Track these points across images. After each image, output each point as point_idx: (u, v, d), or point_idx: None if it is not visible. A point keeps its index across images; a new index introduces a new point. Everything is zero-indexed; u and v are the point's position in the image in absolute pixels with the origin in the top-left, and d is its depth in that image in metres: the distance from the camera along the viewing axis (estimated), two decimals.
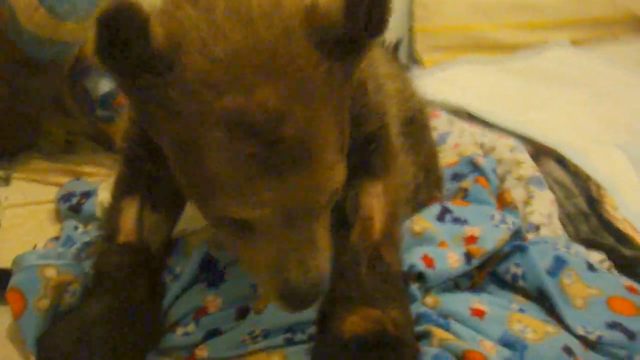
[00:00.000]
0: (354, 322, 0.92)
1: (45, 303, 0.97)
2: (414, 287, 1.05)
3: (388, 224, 1.01)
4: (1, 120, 1.38)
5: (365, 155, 1.02)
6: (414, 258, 1.07)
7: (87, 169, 1.44)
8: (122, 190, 1.06)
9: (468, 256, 1.10)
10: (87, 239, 1.15)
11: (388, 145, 1.06)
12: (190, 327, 0.98)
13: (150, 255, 1.02)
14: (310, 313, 0.97)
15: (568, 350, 0.99)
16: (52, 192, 1.36)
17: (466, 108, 1.67)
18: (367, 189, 1.02)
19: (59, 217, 1.28)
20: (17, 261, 1.02)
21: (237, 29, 0.73)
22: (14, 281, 0.99)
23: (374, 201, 1.02)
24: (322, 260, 0.80)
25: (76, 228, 1.20)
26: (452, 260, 1.09)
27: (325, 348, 0.93)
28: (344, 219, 1.02)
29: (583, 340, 1.05)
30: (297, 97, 0.74)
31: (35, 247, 1.18)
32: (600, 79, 1.96)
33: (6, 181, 1.37)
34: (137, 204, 1.04)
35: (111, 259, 0.98)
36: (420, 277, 1.07)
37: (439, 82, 1.83)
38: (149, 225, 1.04)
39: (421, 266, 1.06)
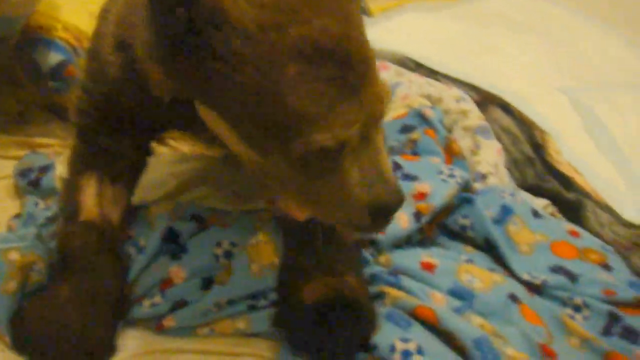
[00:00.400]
0: (314, 290, 0.99)
1: (12, 285, 1.01)
2: (366, 252, 1.11)
3: None
4: None
5: None
6: None
7: (42, 140, 1.45)
8: (79, 167, 1.08)
9: (417, 215, 1.16)
10: (48, 214, 1.18)
11: None
12: (157, 298, 1.03)
13: (113, 230, 1.05)
14: (270, 282, 1.04)
15: (513, 297, 1.07)
16: (8, 167, 1.36)
17: (413, 57, 1.71)
18: None
19: (18, 192, 1.30)
20: None
21: None
22: None
23: None
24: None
25: (37, 204, 1.22)
26: (402, 221, 1.15)
27: (289, 314, 1.00)
28: None
29: (528, 285, 1.13)
30: (346, 22, 0.78)
31: None
32: (548, 22, 2.00)
33: None
34: (96, 180, 1.06)
35: (75, 240, 1.01)
36: (372, 241, 1.13)
37: (386, 31, 1.85)
38: (109, 198, 1.07)
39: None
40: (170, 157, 1.34)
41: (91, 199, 1.05)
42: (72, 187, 1.07)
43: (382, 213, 0.82)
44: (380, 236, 1.13)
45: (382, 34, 1.80)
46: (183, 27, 0.75)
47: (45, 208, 1.21)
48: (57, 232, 1.07)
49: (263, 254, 1.05)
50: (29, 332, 0.97)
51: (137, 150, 1.11)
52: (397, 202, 0.82)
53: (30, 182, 1.28)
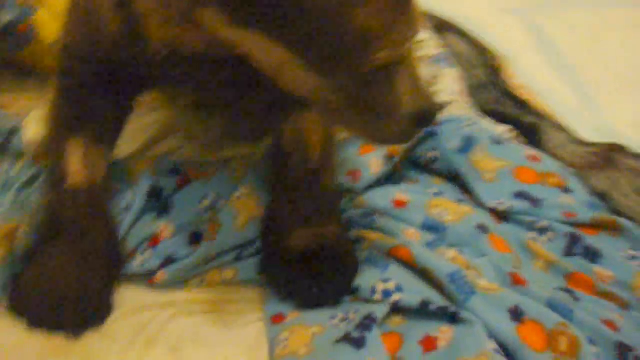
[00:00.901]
0: (298, 238, 1.06)
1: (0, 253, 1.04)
2: (344, 200, 1.18)
3: (325, 148, 1.11)
4: None
5: None
6: (340, 177, 1.19)
7: (3, 98, 1.45)
8: (62, 130, 1.09)
9: (388, 157, 1.23)
10: (22, 178, 1.20)
11: None
12: (147, 254, 1.08)
13: (100, 192, 1.08)
14: (254, 233, 1.10)
15: (482, 227, 1.15)
16: None
17: None
18: (306, 117, 1.10)
19: None
20: None
21: None
22: None
23: (312, 127, 1.10)
24: None
25: (9, 170, 1.23)
26: (374, 166, 1.21)
27: (275, 263, 1.07)
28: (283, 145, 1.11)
29: (494, 213, 1.21)
30: None
31: None
32: None
33: None
34: (81, 142, 1.07)
35: (65, 209, 1.04)
36: (347, 189, 1.20)
37: None
38: (94, 159, 1.08)
39: (348, 183, 1.20)
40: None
41: (77, 162, 1.07)
42: (57, 151, 1.09)
43: (427, 119, 0.89)
44: (355, 185, 1.19)
45: None
46: None
47: (19, 172, 1.23)
48: (44, 199, 1.09)
49: (247, 207, 1.11)
50: (26, 297, 1.01)
51: (121, 108, 1.13)
52: (438, 108, 0.91)
53: None
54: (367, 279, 1.04)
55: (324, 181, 1.10)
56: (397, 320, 1.01)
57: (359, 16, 0.79)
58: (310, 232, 1.06)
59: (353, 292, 1.05)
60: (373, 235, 1.11)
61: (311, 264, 1.04)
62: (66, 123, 1.10)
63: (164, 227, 1.11)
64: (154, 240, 1.10)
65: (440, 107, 0.92)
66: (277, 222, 1.09)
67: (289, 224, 1.07)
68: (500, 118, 1.43)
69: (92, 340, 1.00)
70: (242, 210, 1.11)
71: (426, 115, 0.88)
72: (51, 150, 1.12)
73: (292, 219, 1.07)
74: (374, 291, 1.02)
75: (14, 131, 1.30)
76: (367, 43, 0.80)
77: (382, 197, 1.19)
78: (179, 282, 1.08)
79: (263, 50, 0.86)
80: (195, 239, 1.10)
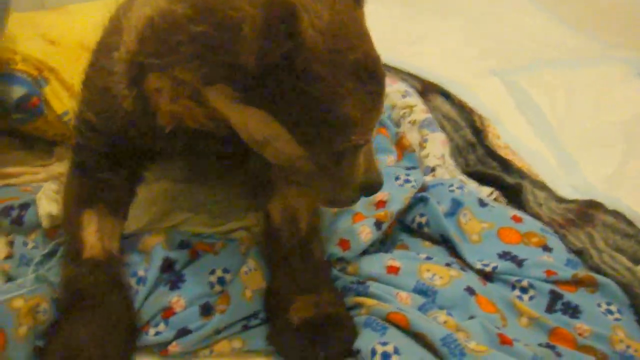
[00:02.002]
0: (299, 309, 1.18)
1: (23, 330, 1.14)
2: (336, 270, 1.30)
3: (312, 220, 1.26)
4: None
5: None
6: (331, 247, 1.31)
7: (10, 169, 1.55)
8: (77, 203, 1.21)
9: (378, 224, 1.35)
10: (39, 252, 1.30)
11: None
12: (161, 327, 1.19)
13: (116, 263, 1.20)
14: (260, 304, 1.23)
15: (470, 290, 1.27)
16: None
17: None
18: (291, 193, 1.25)
19: (1, 230, 1.39)
20: None
21: (324, 8, 0.93)
22: None
23: (298, 203, 1.25)
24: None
25: (26, 244, 1.34)
26: (364, 234, 1.33)
27: (280, 334, 1.18)
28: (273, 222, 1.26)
29: (481, 273, 1.33)
30: (372, 44, 1.01)
31: None
32: (472, 5, 2.17)
33: None
34: (96, 215, 1.19)
35: (83, 281, 1.14)
36: (340, 258, 1.31)
37: None
38: (108, 231, 1.21)
39: (339, 252, 1.31)
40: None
41: (93, 234, 1.18)
42: (72, 224, 1.20)
43: (373, 189, 1.10)
44: (346, 254, 1.31)
45: None
46: (280, 54, 0.90)
47: (34, 246, 1.33)
48: (62, 272, 1.19)
49: (254, 280, 1.23)
50: None
51: (132, 179, 1.25)
52: (381, 183, 1.11)
53: (12, 220, 1.38)
54: (367, 342, 1.15)
55: (314, 251, 1.24)
56: None
57: (346, 106, 0.97)
58: (307, 300, 1.18)
59: (354, 354, 1.15)
60: (370, 302, 1.22)
61: (313, 330, 1.15)
62: (80, 197, 1.22)
63: (177, 300, 1.21)
64: (167, 313, 1.20)
65: (382, 182, 1.12)
66: (278, 293, 1.21)
67: (288, 294, 1.19)
68: (485, 178, 1.55)
69: None
70: (249, 283, 1.22)
71: (373, 186, 1.10)
72: (67, 224, 1.24)
73: (290, 289, 1.20)
74: (373, 353, 1.13)
75: (25, 206, 1.40)
76: (348, 128, 0.99)
77: (375, 264, 1.31)
78: (190, 353, 1.19)
79: (260, 125, 1.01)
80: (206, 311, 1.21)
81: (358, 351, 1.15)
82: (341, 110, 0.96)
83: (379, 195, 1.40)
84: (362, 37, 0.99)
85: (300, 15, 0.88)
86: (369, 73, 0.97)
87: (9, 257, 1.34)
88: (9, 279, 1.29)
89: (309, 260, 1.22)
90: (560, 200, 1.52)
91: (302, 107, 0.96)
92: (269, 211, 1.26)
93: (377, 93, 1.00)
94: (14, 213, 1.39)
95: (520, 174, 1.57)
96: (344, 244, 1.32)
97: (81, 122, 1.21)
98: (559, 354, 1.17)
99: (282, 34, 0.87)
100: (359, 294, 1.25)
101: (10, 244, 1.37)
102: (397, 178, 1.44)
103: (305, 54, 0.91)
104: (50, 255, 1.29)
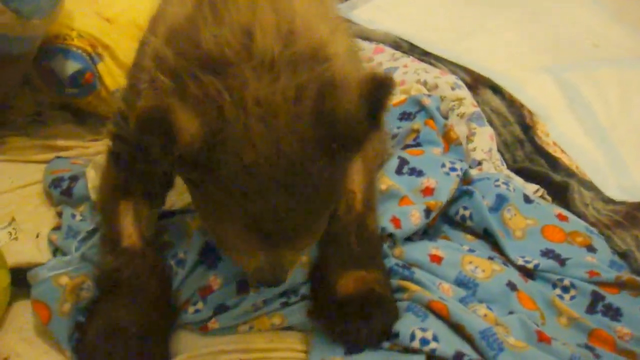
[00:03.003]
0: (346, 284, 1.19)
1: (67, 306, 1.18)
2: (386, 246, 1.31)
3: (368, 194, 1.26)
4: None
5: None
6: (384, 221, 1.32)
7: (62, 142, 1.60)
8: (115, 193, 1.24)
9: (427, 211, 1.36)
10: (85, 226, 1.35)
11: None
12: (200, 305, 1.22)
13: (153, 251, 1.23)
14: (299, 279, 1.24)
15: (512, 285, 1.28)
16: (35, 172, 1.52)
17: (408, 39, 1.87)
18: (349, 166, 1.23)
19: (51, 201, 1.46)
20: (31, 276, 1.22)
21: (263, 136, 0.86)
22: (34, 294, 1.19)
23: (355, 176, 1.25)
24: (286, 270, 1.03)
25: (74, 216, 1.38)
26: (414, 217, 1.34)
27: (324, 308, 1.20)
28: None
29: (523, 270, 1.33)
30: (302, 202, 0.91)
31: (37, 236, 1.36)
32: None
33: None
34: (133, 204, 1.22)
35: (122, 267, 1.18)
36: (390, 236, 1.32)
37: (374, 10, 2.00)
38: (145, 219, 1.24)
39: (391, 228, 1.31)
40: None
41: (130, 224, 1.22)
42: (110, 213, 1.23)
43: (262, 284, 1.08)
44: (397, 232, 1.32)
45: (374, 13, 1.94)
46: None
47: (81, 219, 1.38)
48: (100, 260, 1.23)
49: None
50: (91, 350, 1.15)
51: (169, 170, 1.26)
52: (272, 281, 1.03)
53: (62, 191, 1.43)
54: (407, 325, 1.16)
55: (368, 226, 1.24)
56: None
57: (228, 231, 0.95)
58: (356, 277, 1.19)
59: (393, 337, 1.17)
60: (414, 287, 1.23)
61: (357, 307, 1.17)
62: (116, 186, 1.25)
63: (214, 279, 1.24)
64: (204, 291, 1.24)
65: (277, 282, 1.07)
66: (325, 267, 1.22)
67: (335, 269, 1.20)
68: (531, 175, 1.55)
69: None
70: None
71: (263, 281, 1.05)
72: (104, 212, 1.27)
73: (339, 264, 1.20)
74: (412, 338, 1.14)
75: (75, 178, 1.45)
76: (225, 243, 1.00)
77: (419, 251, 1.32)
78: (230, 329, 1.22)
79: None
80: (243, 288, 1.23)
81: (397, 334, 1.16)
82: (226, 228, 0.96)
83: (426, 182, 1.41)
84: (285, 190, 0.89)
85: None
86: (260, 228, 0.92)
87: (57, 227, 1.38)
88: (56, 249, 1.35)
89: (363, 234, 1.22)
90: (608, 201, 1.51)
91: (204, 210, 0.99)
92: None
93: (264, 242, 0.95)
94: (64, 185, 1.44)
95: (568, 172, 1.56)
96: (396, 221, 1.33)
97: (117, 111, 1.23)
98: (597, 356, 1.18)
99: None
100: (404, 278, 1.26)
101: (59, 215, 1.42)
102: (442, 165, 1.45)
103: (213, 173, 0.89)
104: (94, 231, 1.33)
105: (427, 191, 1.40)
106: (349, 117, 0.87)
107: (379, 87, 0.86)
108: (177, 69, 0.91)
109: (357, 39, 1.74)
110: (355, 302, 1.18)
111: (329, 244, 1.23)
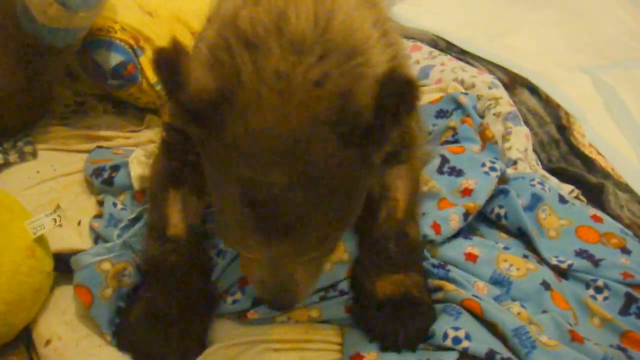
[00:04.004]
0: (384, 286, 1.22)
1: (108, 292, 1.22)
2: (426, 250, 1.33)
3: (411, 203, 1.28)
4: (19, 101, 1.56)
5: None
6: (425, 228, 1.34)
7: (103, 132, 1.64)
8: (165, 182, 1.27)
9: (466, 215, 1.38)
10: (126, 215, 1.39)
11: (413, 138, 1.28)
12: (238, 295, 1.25)
13: (197, 241, 1.26)
14: (340, 275, 1.27)
15: (546, 285, 1.29)
16: (76, 161, 1.57)
17: (445, 38, 1.89)
18: (393, 172, 1.26)
19: (92, 189, 1.50)
20: (75, 261, 1.25)
21: (275, 106, 0.88)
22: (77, 279, 1.23)
23: (399, 183, 1.27)
24: (297, 285, 1.02)
25: (115, 205, 1.42)
26: (453, 222, 1.36)
27: (363, 307, 1.23)
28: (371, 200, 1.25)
29: (556, 269, 1.35)
30: (306, 183, 0.89)
31: (79, 223, 1.41)
32: None
33: (33, 155, 1.56)
34: (181, 194, 1.26)
35: (167, 255, 1.21)
36: (430, 240, 1.35)
37: (412, 7, 2.02)
38: (192, 210, 1.27)
39: (432, 235, 1.34)
40: None
41: (177, 213, 1.25)
42: (159, 201, 1.27)
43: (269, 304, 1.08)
44: (437, 237, 1.34)
45: (412, 11, 1.96)
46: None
47: (122, 208, 1.42)
48: (146, 247, 1.27)
49: (335, 252, 1.26)
50: (132, 335, 1.19)
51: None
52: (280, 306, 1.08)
53: (103, 180, 1.47)
54: (440, 325, 1.19)
55: (409, 234, 1.26)
56: None
57: (227, 206, 0.96)
58: (395, 279, 1.22)
59: (428, 337, 1.20)
60: (449, 287, 1.26)
61: (396, 309, 1.20)
62: (167, 176, 1.28)
63: None
64: (243, 282, 1.26)
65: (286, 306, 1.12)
66: (365, 270, 1.25)
67: (376, 271, 1.23)
68: (566, 176, 1.57)
69: None
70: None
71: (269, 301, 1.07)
72: (153, 200, 1.31)
73: (377, 268, 1.23)
74: (445, 337, 1.17)
75: (116, 167, 1.49)
76: (227, 224, 0.98)
77: (455, 250, 1.35)
78: (268, 319, 1.25)
79: None
80: None
81: (432, 335, 1.19)
82: (225, 203, 0.95)
83: (465, 183, 1.44)
84: (288, 163, 0.88)
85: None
86: (254, 198, 0.90)
87: (98, 216, 1.42)
88: (97, 236, 1.39)
89: (402, 242, 1.25)
90: None
91: (208, 174, 1.00)
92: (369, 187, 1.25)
93: (259, 223, 0.92)
94: (105, 174, 1.48)
95: (604, 174, 1.58)
96: (437, 227, 1.35)
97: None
98: (630, 357, 1.19)
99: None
100: (440, 278, 1.29)
101: (100, 203, 1.47)
102: (482, 165, 1.47)
103: (217, 130, 0.91)
104: (135, 220, 1.37)
105: (466, 192, 1.43)
106: (362, 111, 0.87)
107: (396, 88, 0.85)
108: (215, 45, 0.95)
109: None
110: (393, 304, 1.21)
111: (369, 249, 1.26)
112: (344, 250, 1.29)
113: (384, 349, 1.19)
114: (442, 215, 1.38)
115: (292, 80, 0.89)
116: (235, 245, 1.02)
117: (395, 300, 1.21)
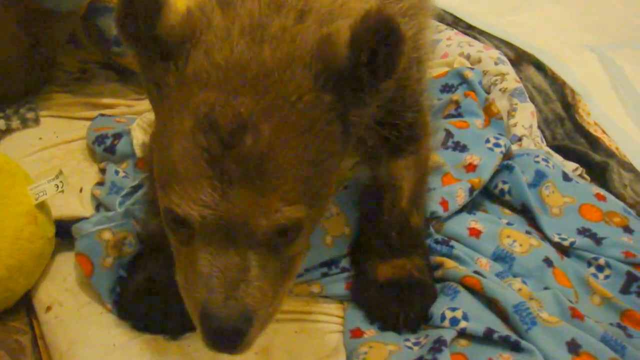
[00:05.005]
0: (385, 269, 1.23)
1: (109, 261, 1.22)
2: (431, 226, 1.34)
3: (415, 192, 1.26)
4: (22, 66, 1.55)
5: (401, 139, 1.20)
6: (434, 205, 1.34)
7: (106, 100, 1.64)
8: None
9: (471, 190, 1.38)
10: (128, 182, 1.38)
11: (422, 131, 1.26)
12: None
13: None
14: (341, 251, 1.27)
15: (548, 262, 1.29)
16: (79, 128, 1.57)
17: (451, 12, 1.87)
18: (399, 162, 1.25)
19: (94, 157, 1.50)
20: (76, 229, 1.25)
21: (245, 47, 0.83)
22: (78, 247, 1.23)
23: (404, 172, 1.26)
24: (249, 295, 0.85)
25: (117, 172, 1.41)
26: (460, 197, 1.37)
27: (364, 289, 1.23)
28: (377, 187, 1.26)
29: (559, 247, 1.35)
30: (272, 117, 0.81)
31: (81, 190, 1.41)
32: None
33: (36, 121, 1.56)
34: None
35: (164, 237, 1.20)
36: (437, 217, 1.35)
37: None
38: None
39: (440, 211, 1.35)
40: None
41: None
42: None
43: (210, 331, 0.87)
44: (444, 213, 1.34)
45: None
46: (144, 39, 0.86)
47: (124, 176, 1.41)
48: (145, 221, 1.26)
49: (335, 226, 1.27)
50: (132, 304, 1.19)
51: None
52: (226, 324, 0.85)
53: (105, 148, 1.47)
54: (438, 307, 1.19)
55: (411, 222, 1.25)
56: (463, 343, 1.16)
57: (174, 149, 0.84)
58: (396, 263, 1.23)
59: (429, 320, 1.20)
60: (449, 264, 1.26)
61: (397, 291, 1.20)
62: None
63: None
64: None
65: (236, 327, 0.85)
66: (367, 254, 1.25)
67: (377, 255, 1.24)
68: (570, 154, 1.56)
69: (188, 341, 1.17)
70: (331, 229, 1.27)
71: (208, 326, 0.87)
72: (151, 182, 1.27)
73: (379, 254, 1.24)
74: (442, 318, 1.17)
75: (119, 135, 1.48)
76: (170, 181, 0.85)
77: (459, 225, 1.35)
78: None
79: None
80: None
81: (431, 316, 1.19)
82: (172, 149, 0.84)
83: (469, 158, 1.44)
84: (255, 92, 0.81)
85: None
86: (211, 123, 0.80)
87: (100, 183, 1.42)
88: (99, 204, 1.38)
89: (405, 228, 1.25)
90: None
91: (157, 122, 0.95)
92: (376, 173, 1.27)
93: (216, 155, 0.80)
94: (108, 142, 1.48)
95: (608, 152, 1.57)
96: (445, 204, 1.36)
97: None
98: (630, 335, 1.20)
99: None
100: (442, 255, 1.29)
101: (102, 171, 1.46)
102: (487, 141, 1.46)
103: (176, 66, 0.86)
104: (137, 187, 1.37)
105: (471, 167, 1.43)
106: (339, 52, 0.82)
107: (372, 24, 0.79)
108: (196, 3, 0.92)
109: None
110: (394, 287, 1.21)
111: (371, 235, 1.26)
112: (345, 225, 1.29)
113: (384, 329, 1.20)
114: (449, 191, 1.38)
115: (267, 24, 0.85)
116: (177, 199, 0.83)
117: (395, 282, 1.21)
